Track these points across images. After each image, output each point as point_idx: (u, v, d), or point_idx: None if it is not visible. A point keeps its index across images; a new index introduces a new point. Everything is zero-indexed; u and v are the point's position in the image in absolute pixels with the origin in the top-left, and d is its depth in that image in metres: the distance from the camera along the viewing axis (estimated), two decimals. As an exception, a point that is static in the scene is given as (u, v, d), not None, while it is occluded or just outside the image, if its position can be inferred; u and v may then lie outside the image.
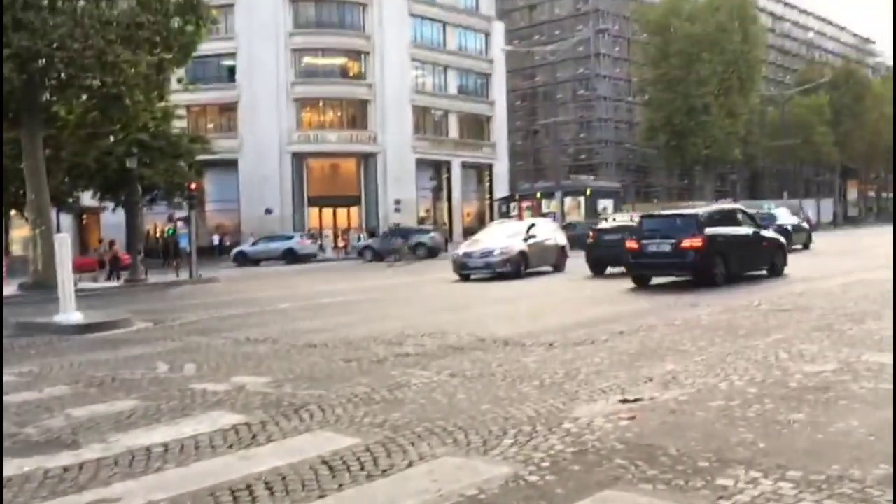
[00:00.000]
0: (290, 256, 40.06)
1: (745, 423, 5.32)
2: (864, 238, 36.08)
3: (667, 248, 15.54)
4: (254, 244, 41.83)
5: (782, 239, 18.27)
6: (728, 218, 17.10)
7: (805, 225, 31.71)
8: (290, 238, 42.41)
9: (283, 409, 6.31)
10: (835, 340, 8.49)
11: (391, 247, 37.60)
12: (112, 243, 31.44)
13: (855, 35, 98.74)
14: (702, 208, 20.54)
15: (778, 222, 25.89)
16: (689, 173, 67.93)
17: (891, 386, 6.26)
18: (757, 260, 16.75)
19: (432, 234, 40.56)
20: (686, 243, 15.25)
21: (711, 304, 12.18)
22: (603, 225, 21.97)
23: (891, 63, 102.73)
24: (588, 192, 47.28)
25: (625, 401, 6.08)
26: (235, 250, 41.88)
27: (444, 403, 6.31)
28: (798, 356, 7.67)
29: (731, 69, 52.10)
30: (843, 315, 10.44)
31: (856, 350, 7.83)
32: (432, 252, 37.83)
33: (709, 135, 51.54)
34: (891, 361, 7.16)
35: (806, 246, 28.83)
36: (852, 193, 77.34)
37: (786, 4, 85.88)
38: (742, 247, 16.23)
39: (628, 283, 16.26)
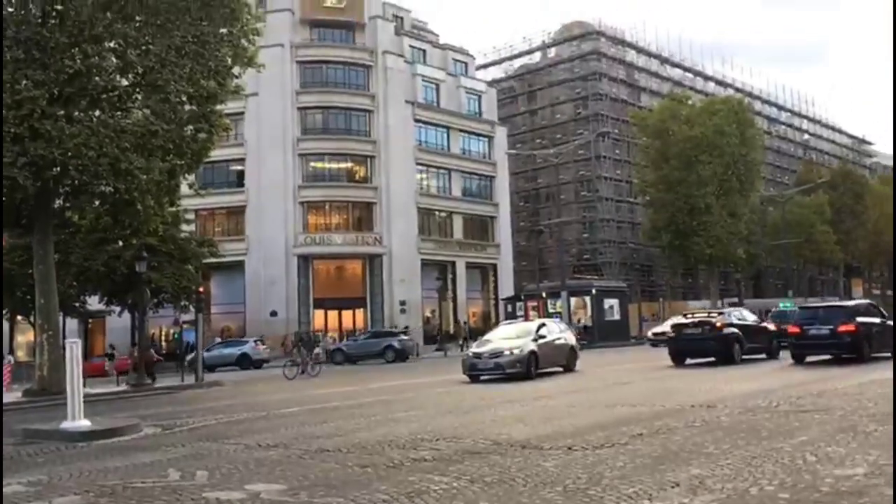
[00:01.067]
0: (245, 362, 39.63)
1: (782, 531, 5.14)
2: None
3: (825, 331, 19.96)
4: (208, 349, 39.51)
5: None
6: (868, 310, 21.79)
7: None
8: (244, 343, 42.04)
9: (301, 518, 6.13)
10: (861, 442, 8.31)
11: (364, 350, 37.93)
12: (146, 346, 31.00)
13: (850, 136, 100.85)
14: (850, 301, 26.86)
15: None
16: (693, 272, 68.14)
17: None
18: (883, 343, 20.40)
19: (402, 336, 40.31)
20: (842, 328, 19.79)
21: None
22: (680, 321, 24.06)
23: (887, 163, 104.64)
24: (593, 291, 47.30)
25: (653, 507, 5.91)
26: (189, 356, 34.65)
27: (467, 511, 6.13)
28: (826, 459, 7.49)
29: (730, 170, 52.98)
30: (866, 416, 10.26)
31: (885, 452, 7.65)
32: (400, 355, 37.57)
33: (711, 234, 51.96)
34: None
35: None
36: (857, 292, 77.39)
37: (780, 108, 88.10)
38: (877, 332, 20.51)
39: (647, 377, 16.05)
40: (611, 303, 47.96)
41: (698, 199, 51.42)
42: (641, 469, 7.40)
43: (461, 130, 59.89)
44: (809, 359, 20.63)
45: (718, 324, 22.16)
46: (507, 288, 58.91)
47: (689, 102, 57.23)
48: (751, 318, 24.20)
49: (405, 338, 40.35)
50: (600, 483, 6.85)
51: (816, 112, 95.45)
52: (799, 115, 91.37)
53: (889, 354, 19.42)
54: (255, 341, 42.50)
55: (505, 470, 7.69)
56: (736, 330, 22.23)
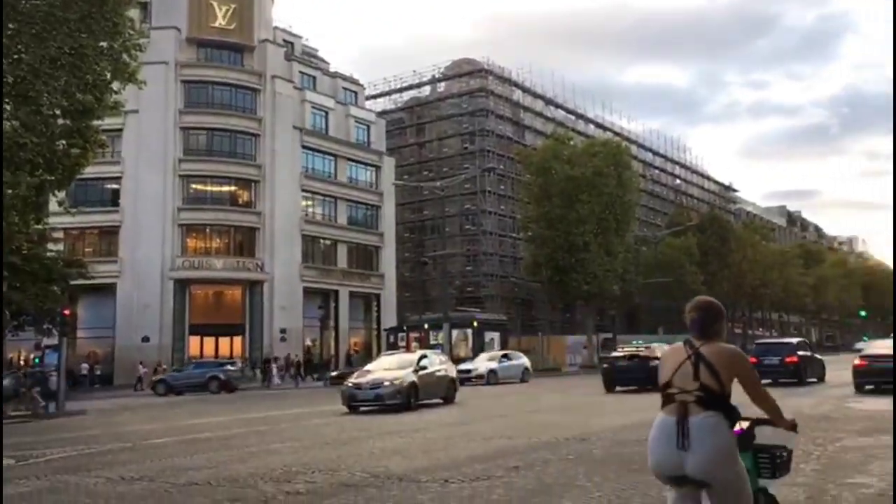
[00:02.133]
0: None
1: (648, 562, 5.28)
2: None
3: (776, 361, 25.77)
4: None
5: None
6: (802, 346, 28.20)
7: None
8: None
9: (165, 555, 5.83)
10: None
11: (188, 381, 36.71)
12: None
13: (717, 183, 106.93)
14: (791, 339, 32.59)
15: None
16: (572, 308, 70.05)
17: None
18: (813, 371, 26.97)
19: (228, 366, 39.41)
20: (788, 359, 26.07)
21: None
22: (615, 354, 28.52)
23: (749, 209, 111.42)
24: (475, 324, 47.82)
25: (526, 540, 5.96)
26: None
27: (340, 546, 6.00)
28: (690, 491, 7.77)
29: (607, 210, 54.96)
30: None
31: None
32: (226, 387, 36.63)
33: (588, 272, 53.61)
34: (778, 496, 7.36)
35: None
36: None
37: (655, 153, 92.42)
38: (810, 361, 27.15)
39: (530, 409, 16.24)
40: (492, 336, 48.64)
41: (577, 236, 53.02)
42: (516, 502, 7.47)
43: (349, 159, 59.74)
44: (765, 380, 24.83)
45: (645, 355, 25.89)
46: (389, 318, 58.76)
47: (571, 143, 59.13)
48: None
49: (232, 368, 39.18)
50: (475, 516, 6.86)
51: (688, 159, 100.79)
52: (672, 160, 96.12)
53: (815, 379, 26.58)
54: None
55: (381, 503, 7.60)
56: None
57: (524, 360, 38.52)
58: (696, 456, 3.72)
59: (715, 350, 3.93)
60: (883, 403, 17.85)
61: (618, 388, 25.51)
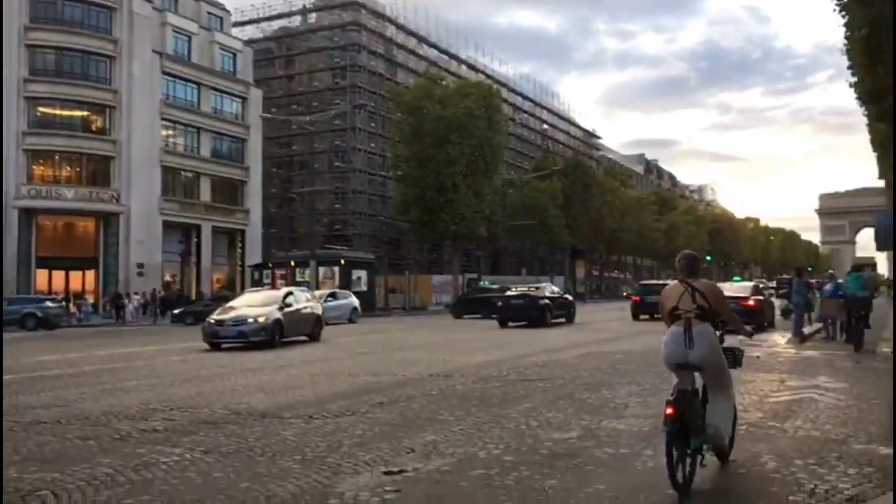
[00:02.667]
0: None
1: (505, 491, 5.49)
2: (595, 313, 39.50)
3: (656, 300, 26.67)
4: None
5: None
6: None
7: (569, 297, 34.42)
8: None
9: (9, 496, 5.54)
10: (577, 409, 9.11)
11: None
12: None
13: (582, 129, 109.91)
14: (668, 281, 36.40)
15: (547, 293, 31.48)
16: (439, 248, 70.86)
17: (628, 450, 6.80)
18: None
19: (48, 302, 36.82)
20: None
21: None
22: (510, 293, 30.64)
23: (611, 156, 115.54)
24: (342, 262, 47.57)
25: (389, 473, 6.06)
26: None
27: (199, 483, 5.89)
28: (546, 424, 8.13)
29: (477, 152, 55.41)
30: (581, 384, 11.28)
31: (595, 417, 8.46)
32: (46, 324, 34.23)
33: (457, 212, 54.16)
34: (626, 428, 7.81)
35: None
36: (580, 272, 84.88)
37: (524, 97, 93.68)
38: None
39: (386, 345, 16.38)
40: (359, 274, 48.54)
41: (447, 177, 53.27)
42: (380, 436, 7.56)
43: (213, 88, 57.16)
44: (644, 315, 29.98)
45: (535, 295, 29.37)
46: (255, 255, 57.47)
47: (444, 83, 58.96)
48: (557, 292, 31.85)
49: (51, 305, 36.41)
50: (339, 451, 6.90)
51: (556, 105, 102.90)
52: (540, 105, 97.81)
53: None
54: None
55: (242, 440, 7.51)
56: (548, 300, 29.10)
57: (352, 300, 36.18)
58: (696, 351, 5.75)
59: (702, 284, 6.00)
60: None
61: (510, 324, 28.18)
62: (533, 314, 28.18)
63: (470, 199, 54.73)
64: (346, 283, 45.56)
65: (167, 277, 52.87)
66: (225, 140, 58.44)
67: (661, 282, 37.35)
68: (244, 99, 59.63)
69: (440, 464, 6.36)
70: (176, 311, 38.96)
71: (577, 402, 9.62)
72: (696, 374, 5.86)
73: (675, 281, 6.11)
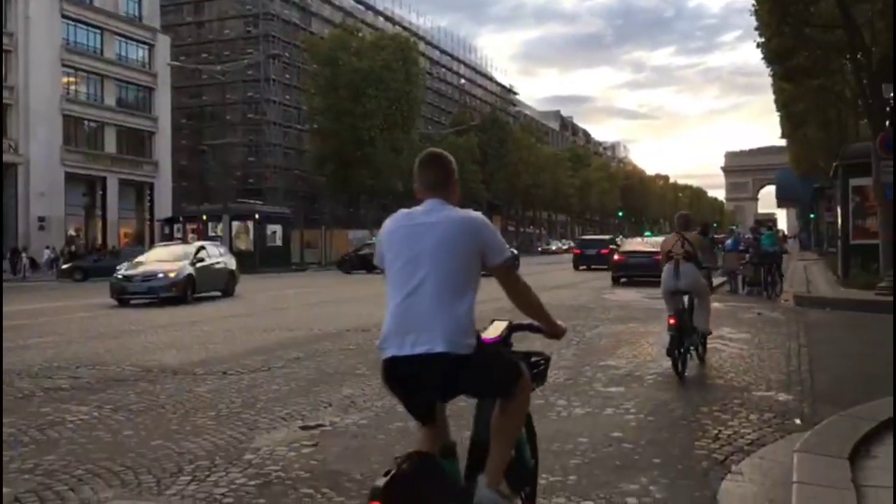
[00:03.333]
0: None
1: (423, 443, 5.52)
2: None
3: (594, 252, 34.91)
4: None
5: None
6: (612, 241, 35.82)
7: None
8: None
9: None
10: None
11: None
12: None
13: (500, 85, 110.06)
14: (605, 236, 42.09)
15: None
16: (356, 202, 70.32)
17: (542, 401, 6.94)
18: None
19: None
20: (604, 251, 33.07)
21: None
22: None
23: (528, 112, 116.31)
24: (256, 216, 46.68)
25: (306, 427, 6.02)
26: None
27: (109, 441, 5.73)
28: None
29: (394, 106, 54.94)
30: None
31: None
32: None
33: (373, 167, 53.71)
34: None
35: None
36: (496, 228, 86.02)
37: (442, 51, 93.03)
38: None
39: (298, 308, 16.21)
40: (274, 229, 47.73)
41: (363, 130, 52.68)
42: (296, 391, 7.50)
43: (117, 34, 54.59)
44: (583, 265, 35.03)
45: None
46: (164, 209, 55.76)
47: (360, 34, 57.97)
48: None
49: None
50: (254, 406, 6.82)
51: (473, 59, 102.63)
52: (458, 60, 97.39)
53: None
54: None
55: (154, 397, 7.33)
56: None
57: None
58: (683, 281, 8.61)
59: (690, 235, 8.88)
60: (632, 294, 19.80)
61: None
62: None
63: (387, 153, 54.32)
64: (260, 239, 44.81)
65: (71, 232, 50.86)
66: (131, 89, 56.12)
67: (598, 237, 43.26)
68: (151, 46, 57.23)
69: (358, 418, 6.36)
70: (64, 267, 37.60)
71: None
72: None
73: (673, 233, 9.08)
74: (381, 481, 2.64)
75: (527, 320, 3.56)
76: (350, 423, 6.19)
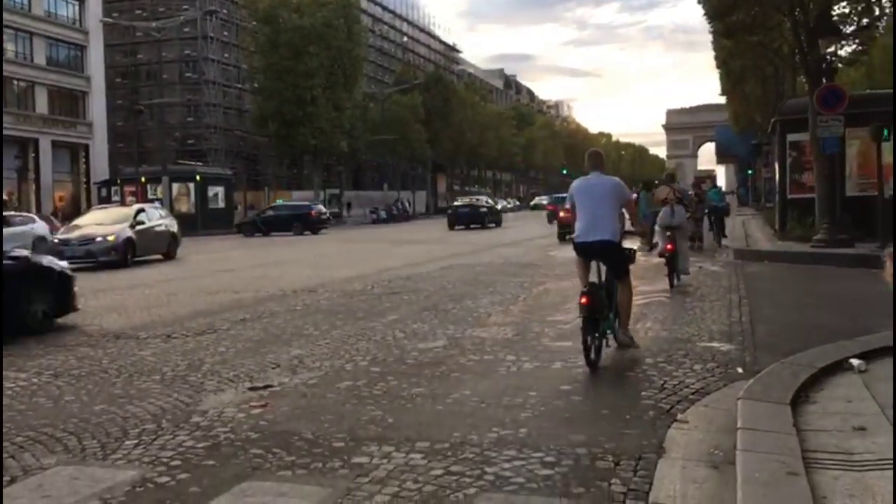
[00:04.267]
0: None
1: (373, 401, 5.51)
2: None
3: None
4: None
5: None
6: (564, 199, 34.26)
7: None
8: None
9: None
10: (441, 319, 9.25)
11: None
12: None
13: (443, 43, 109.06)
14: (563, 193, 41.38)
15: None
16: (299, 163, 69.28)
17: (492, 357, 6.98)
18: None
19: None
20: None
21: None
22: (457, 203, 39.69)
23: (471, 71, 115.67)
24: (198, 178, 45.72)
25: (254, 388, 5.95)
26: None
27: (50, 407, 5.58)
28: (412, 335, 8.20)
29: (336, 64, 53.96)
30: (446, 296, 11.44)
31: (459, 327, 8.61)
32: None
33: (316, 126, 52.86)
34: (489, 336, 8.00)
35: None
36: (441, 187, 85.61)
37: (384, 8, 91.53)
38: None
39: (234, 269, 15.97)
40: (216, 190, 46.86)
41: (305, 90, 51.67)
42: (243, 353, 7.40)
43: (46, -11, 52.32)
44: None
45: (479, 204, 39.34)
46: (101, 171, 54.10)
47: (300, -10, 56.62)
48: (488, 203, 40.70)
49: None
50: (200, 369, 6.70)
51: (416, 17, 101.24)
52: (401, 17, 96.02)
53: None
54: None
55: (96, 362, 7.16)
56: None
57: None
58: (676, 219, 12.57)
59: (676, 186, 13.52)
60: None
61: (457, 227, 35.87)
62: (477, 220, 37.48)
63: (330, 112, 53.53)
64: (202, 201, 43.96)
65: (3, 195, 49.07)
66: (61, 47, 53.94)
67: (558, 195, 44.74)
68: (81, 1, 54.96)
69: (307, 377, 6.31)
70: None
71: (441, 312, 9.75)
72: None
73: (664, 185, 13.72)
74: (585, 289, 6.46)
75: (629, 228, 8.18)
76: (299, 382, 6.13)
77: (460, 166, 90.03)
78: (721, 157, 78.39)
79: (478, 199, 42.53)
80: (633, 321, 8.53)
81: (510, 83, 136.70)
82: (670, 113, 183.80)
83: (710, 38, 33.79)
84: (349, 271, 15.93)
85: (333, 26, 52.86)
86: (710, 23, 24.30)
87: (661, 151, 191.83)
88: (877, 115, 16.24)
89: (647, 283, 12.65)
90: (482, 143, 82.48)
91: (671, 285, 11.72)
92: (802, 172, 19.33)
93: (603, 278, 6.81)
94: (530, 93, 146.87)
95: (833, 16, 18.40)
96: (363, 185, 75.40)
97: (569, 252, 19.67)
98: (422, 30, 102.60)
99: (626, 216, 7.55)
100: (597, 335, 6.40)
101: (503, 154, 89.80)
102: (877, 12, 19.54)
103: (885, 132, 15.96)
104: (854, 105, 16.49)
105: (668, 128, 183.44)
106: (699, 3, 22.09)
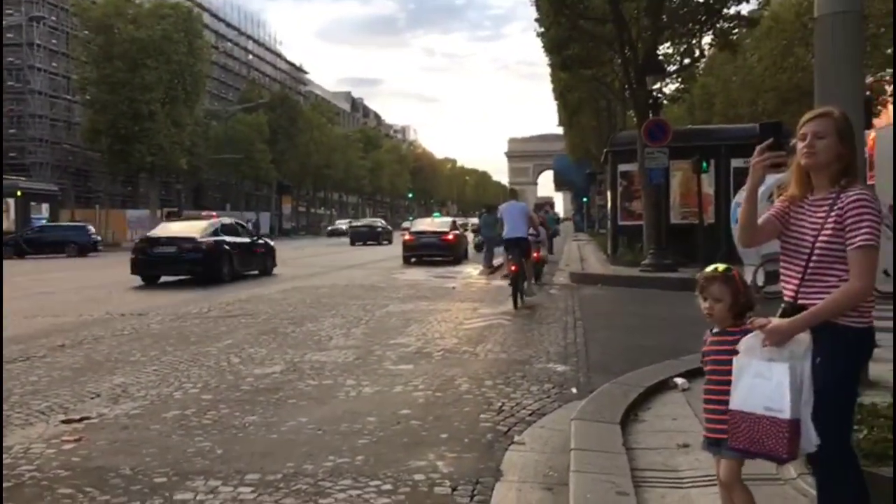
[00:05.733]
0: None
1: (202, 431, 5.18)
2: (303, 248, 39.22)
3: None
4: None
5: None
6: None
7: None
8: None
9: None
10: (280, 343, 8.94)
11: None
12: None
13: (289, 63, 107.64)
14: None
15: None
16: (134, 180, 65.93)
17: (331, 381, 6.79)
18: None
19: None
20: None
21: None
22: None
23: (319, 92, 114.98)
24: (19, 193, 42.47)
25: (68, 421, 5.45)
26: None
27: None
28: (249, 359, 7.86)
29: (176, 79, 51.98)
30: (286, 319, 11.11)
31: (299, 351, 8.35)
32: None
33: (154, 142, 50.58)
34: (329, 360, 7.80)
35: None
36: (286, 208, 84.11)
37: (228, 25, 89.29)
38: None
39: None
40: (40, 207, 43.75)
41: (143, 104, 49.35)
42: (59, 382, 6.81)
43: None
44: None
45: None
46: None
47: (137, 1, 54.19)
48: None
49: None
50: (7, 401, 6.08)
51: (263, 36, 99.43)
52: (246, 35, 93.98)
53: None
54: None
55: None
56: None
57: None
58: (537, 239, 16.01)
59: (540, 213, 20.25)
60: (421, 274, 20.10)
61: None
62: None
63: (169, 128, 51.42)
64: (24, 218, 40.88)
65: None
66: None
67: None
68: None
69: (130, 407, 5.86)
70: None
71: (280, 336, 9.44)
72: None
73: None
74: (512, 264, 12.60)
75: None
76: (120, 413, 5.68)
77: (306, 188, 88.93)
78: (559, 184, 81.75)
79: (374, 221, 50.21)
80: (472, 343, 8.59)
81: (357, 106, 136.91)
82: (512, 141, 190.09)
83: (549, 70, 35.23)
84: (185, 293, 15.19)
85: (173, 40, 51.01)
86: (548, 55, 25.39)
87: (503, 178, 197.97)
88: (697, 148, 17.52)
89: (487, 305, 12.85)
90: (329, 164, 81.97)
91: (515, 306, 12.05)
92: (632, 201, 20.39)
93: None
94: (377, 116, 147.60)
95: (658, 54, 19.62)
96: (204, 204, 72.73)
97: (413, 275, 19.80)
98: (268, 49, 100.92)
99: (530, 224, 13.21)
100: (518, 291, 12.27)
101: (350, 176, 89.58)
102: (697, 53, 20.97)
103: (704, 164, 17.25)
104: (677, 139, 17.65)
105: (510, 155, 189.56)
106: (538, 36, 23.00)
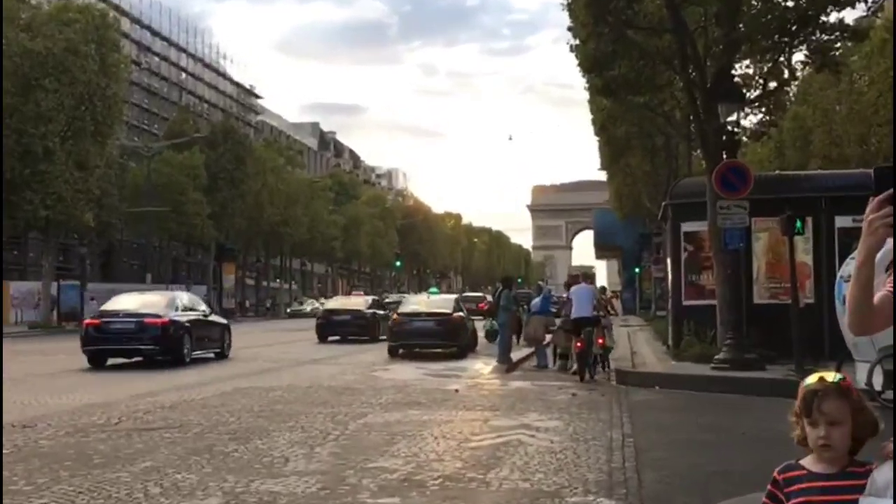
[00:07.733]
0: None
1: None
2: (252, 334, 39.21)
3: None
4: None
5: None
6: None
7: None
8: None
9: None
10: (217, 466, 8.92)
11: None
12: None
13: (237, 85, 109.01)
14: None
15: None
16: (22, 242, 66.38)
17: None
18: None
19: None
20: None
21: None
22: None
23: (275, 123, 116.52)
24: None
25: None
26: None
27: None
28: (173, 489, 7.84)
29: (83, 106, 52.60)
30: (225, 433, 11.09)
31: (243, 477, 8.33)
32: None
33: (51, 191, 50.97)
34: (285, 490, 7.79)
35: None
36: (229, 280, 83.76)
37: (154, 33, 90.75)
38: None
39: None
40: None
41: (36, 139, 50.01)
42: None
43: None
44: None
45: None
46: None
47: (34, 3, 55.53)
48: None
49: None
50: None
51: (200, 48, 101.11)
52: (178, 47, 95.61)
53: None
54: None
55: None
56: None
57: None
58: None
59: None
60: (411, 371, 20.11)
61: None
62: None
63: (71, 172, 51.90)
64: None
65: None
66: None
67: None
68: None
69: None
70: None
71: (218, 456, 9.44)
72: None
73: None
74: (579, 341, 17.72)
75: None
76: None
77: (256, 252, 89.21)
78: (601, 249, 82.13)
79: (358, 300, 44.89)
80: (481, 468, 8.59)
81: (328, 142, 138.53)
82: (537, 190, 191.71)
83: (587, 95, 35.66)
84: (87, 396, 15.18)
85: (80, 53, 51.81)
86: (585, 76, 25.45)
87: (525, 240, 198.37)
88: (788, 201, 17.48)
89: (503, 414, 12.83)
90: (287, 221, 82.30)
91: (582, 378, 17.41)
92: (700, 272, 20.42)
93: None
94: (354, 156, 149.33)
95: (734, 76, 19.91)
96: (117, 275, 73.06)
97: (401, 372, 19.80)
98: (207, 65, 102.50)
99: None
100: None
101: (316, 237, 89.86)
102: (786, 75, 21.23)
103: (799, 223, 17.13)
104: (761, 189, 17.75)
105: (535, 209, 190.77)
106: (572, 50, 22.77)
